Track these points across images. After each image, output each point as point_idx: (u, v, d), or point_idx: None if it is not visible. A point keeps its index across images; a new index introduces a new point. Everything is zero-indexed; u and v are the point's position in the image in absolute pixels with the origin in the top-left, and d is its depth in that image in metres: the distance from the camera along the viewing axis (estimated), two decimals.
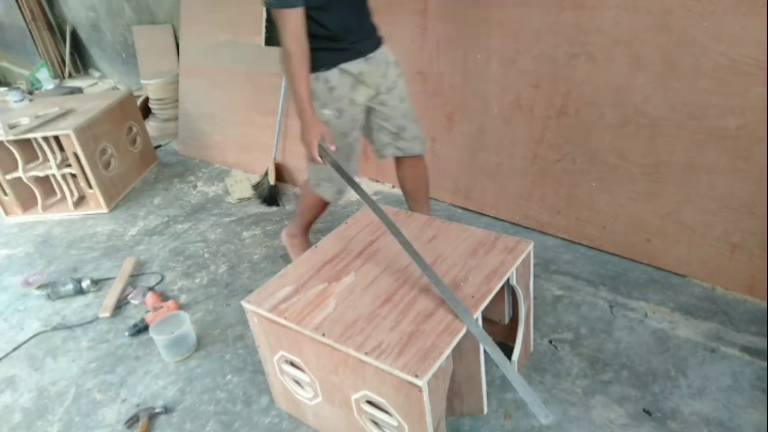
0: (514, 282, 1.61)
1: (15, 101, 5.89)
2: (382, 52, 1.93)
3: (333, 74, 1.82)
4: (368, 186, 3.17)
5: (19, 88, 6.16)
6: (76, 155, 3.11)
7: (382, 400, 1.34)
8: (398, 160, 2.18)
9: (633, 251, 2.32)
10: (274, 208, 3.13)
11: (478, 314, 1.40)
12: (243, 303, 1.58)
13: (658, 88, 1.98)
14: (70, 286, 2.49)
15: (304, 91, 1.76)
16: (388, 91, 1.97)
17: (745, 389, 1.68)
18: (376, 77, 1.91)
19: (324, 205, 2.24)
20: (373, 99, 1.96)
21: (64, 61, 6.73)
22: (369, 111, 2.01)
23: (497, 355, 1.31)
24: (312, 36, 1.71)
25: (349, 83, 1.85)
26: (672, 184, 2.09)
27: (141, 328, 2.21)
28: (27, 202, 3.38)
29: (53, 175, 3.26)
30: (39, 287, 2.56)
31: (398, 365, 1.25)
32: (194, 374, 1.99)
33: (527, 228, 2.64)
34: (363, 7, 1.87)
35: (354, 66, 1.84)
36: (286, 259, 2.49)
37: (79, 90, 5.65)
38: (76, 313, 2.41)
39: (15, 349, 2.23)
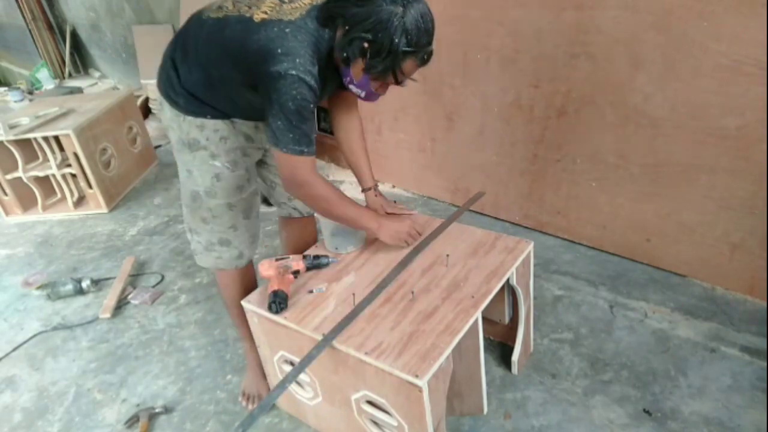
0: (514, 282, 1.61)
1: (15, 101, 5.86)
2: None
3: (222, 124, 1.50)
4: None
5: (19, 88, 6.16)
6: (76, 155, 3.11)
7: (382, 400, 1.34)
8: (285, 219, 1.92)
9: (633, 251, 2.32)
10: (273, 208, 3.13)
11: (478, 314, 1.41)
12: (243, 303, 1.58)
13: (658, 88, 1.98)
14: (70, 286, 2.49)
15: (357, 213, 1.56)
16: None
17: (745, 389, 1.68)
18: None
19: (238, 276, 1.73)
20: (265, 153, 1.72)
21: (64, 61, 6.73)
22: (261, 164, 1.75)
23: None
24: (207, 89, 1.44)
25: (243, 137, 1.55)
26: (672, 184, 2.09)
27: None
28: (27, 202, 3.38)
29: (53, 175, 3.25)
30: (39, 287, 2.56)
31: (398, 365, 1.25)
32: (194, 374, 1.99)
33: (527, 228, 2.64)
34: None
35: (247, 126, 1.55)
36: None
37: (79, 90, 5.65)
38: (76, 313, 2.41)
39: (15, 349, 2.23)
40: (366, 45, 1.29)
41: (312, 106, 1.34)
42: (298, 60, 1.28)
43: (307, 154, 1.38)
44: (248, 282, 1.76)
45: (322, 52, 1.34)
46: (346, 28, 1.31)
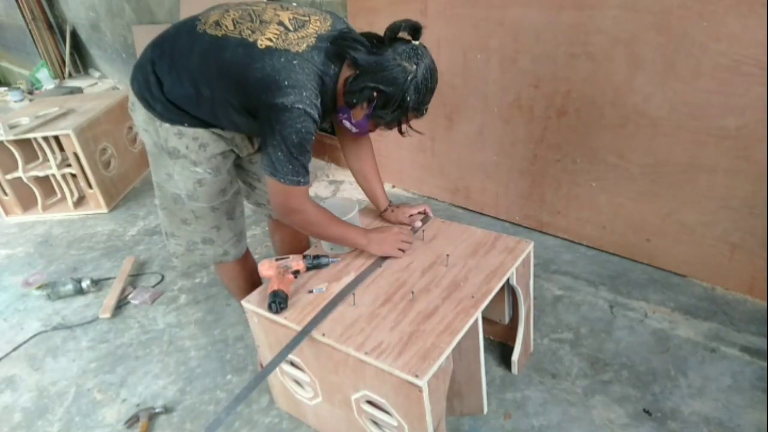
0: (514, 282, 1.61)
1: (15, 101, 5.88)
2: None
3: (201, 132, 1.47)
4: None
5: (19, 88, 6.17)
6: (76, 155, 3.11)
7: (382, 400, 1.34)
8: (275, 224, 1.93)
9: (633, 251, 2.32)
10: None
11: (478, 314, 1.41)
12: (243, 303, 1.58)
13: (658, 88, 1.98)
14: (70, 286, 2.49)
15: (345, 233, 1.57)
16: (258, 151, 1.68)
17: (745, 389, 1.68)
18: (247, 143, 1.61)
19: (239, 266, 1.79)
20: (243, 158, 1.70)
21: (64, 61, 6.74)
22: (238, 167, 1.73)
23: None
24: (192, 104, 1.41)
25: (223, 141, 1.52)
26: (672, 184, 2.09)
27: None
28: (27, 202, 3.38)
29: (53, 175, 3.26)
30: (39, 287, 2.56)
31: (398, 365, 1.25)
32: (194, 374, 1.99)
33: (527, 228, 2.64)
34: None
35: (227, 132, 1.51)
36: None
37: (79, 90, 5.66)
38: (76, 313, 2.41)
39: (15, 349, 2.23)
40: (375, 94, 1.31)
41: (313, 138, 1.35)
42: (304, 93, 1.28)
43: (303, 184, 1.40)
44: (250, 267, 1.81)
45: (326, 86, 1.35)
46: (357, 72, 1.32)
